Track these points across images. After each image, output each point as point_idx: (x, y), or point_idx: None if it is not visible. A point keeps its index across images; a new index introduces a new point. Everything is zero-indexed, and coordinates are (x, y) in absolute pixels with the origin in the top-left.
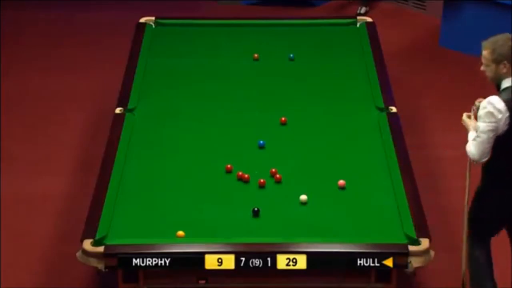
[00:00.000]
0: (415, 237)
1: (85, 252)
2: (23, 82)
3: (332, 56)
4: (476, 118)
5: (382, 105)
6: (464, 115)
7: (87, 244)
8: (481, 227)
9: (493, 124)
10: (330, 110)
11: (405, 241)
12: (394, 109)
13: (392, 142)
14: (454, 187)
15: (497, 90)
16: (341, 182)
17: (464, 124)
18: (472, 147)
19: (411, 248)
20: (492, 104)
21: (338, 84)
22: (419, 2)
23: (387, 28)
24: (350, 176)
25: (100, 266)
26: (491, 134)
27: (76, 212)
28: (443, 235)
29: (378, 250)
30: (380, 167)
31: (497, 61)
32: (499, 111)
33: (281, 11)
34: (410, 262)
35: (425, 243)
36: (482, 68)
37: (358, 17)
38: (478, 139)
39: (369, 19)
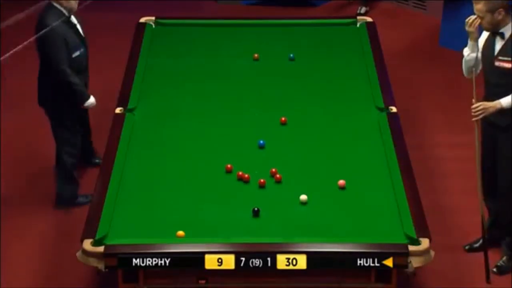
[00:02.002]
0: (415, 237)
1: (85, 252)
2: (23, 82)
3: (332, 56)
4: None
5: (382, 105)
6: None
7: (87, 244)
8: None
9: None
10: (330, 110)
11: (405, 241)
12: (394, 109)
13: (392, 142)
14: (454, 187)
15: (502, 38)
16: (341, 182)
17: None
18: None
19: (411, 248)
20: None
21: (338, 84)
22: (419, 2)
23: (387, 28)
24: (350, 176)
25: (100, 266)
26: None
27: (76, 212)
28: (443, 235)
29: (378, 250)
30: (380, 167)
31: (492, 10)
32: None
33: (281, 11)
34: (410, 262)
35: (425, 243)
36: (477, 23)
37: (358, 17)
38: None
39: (369, 19)
